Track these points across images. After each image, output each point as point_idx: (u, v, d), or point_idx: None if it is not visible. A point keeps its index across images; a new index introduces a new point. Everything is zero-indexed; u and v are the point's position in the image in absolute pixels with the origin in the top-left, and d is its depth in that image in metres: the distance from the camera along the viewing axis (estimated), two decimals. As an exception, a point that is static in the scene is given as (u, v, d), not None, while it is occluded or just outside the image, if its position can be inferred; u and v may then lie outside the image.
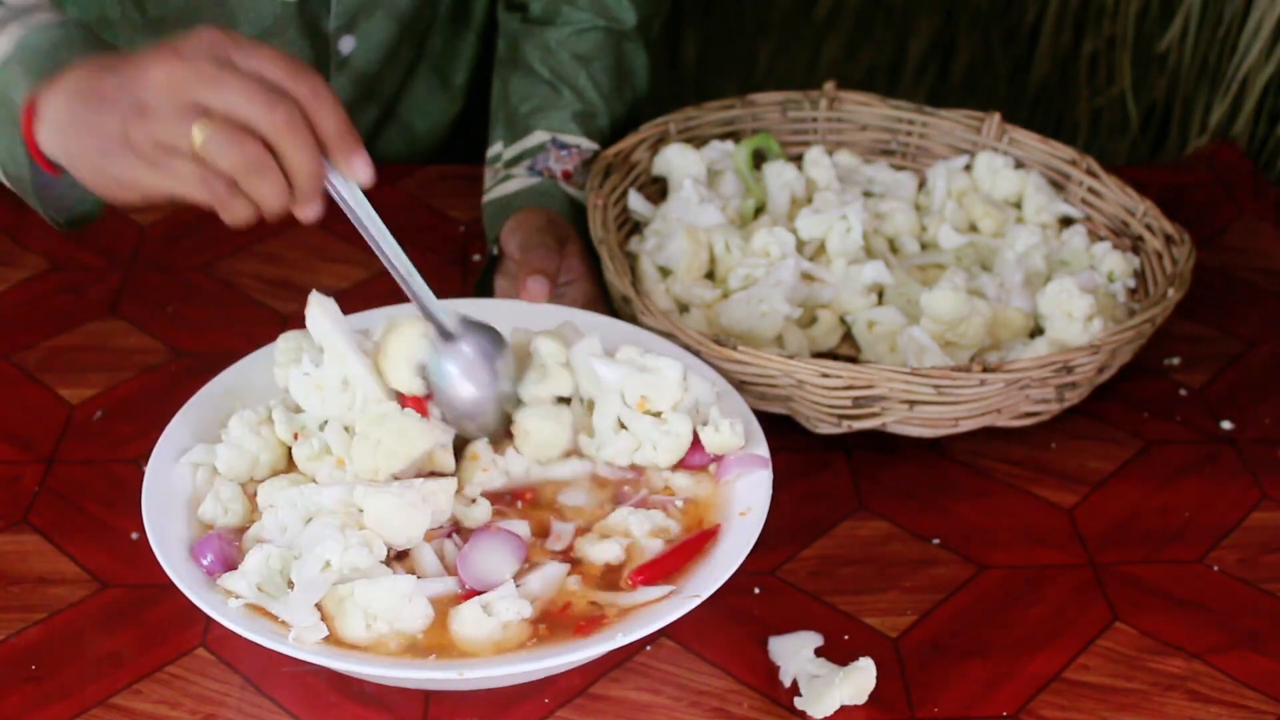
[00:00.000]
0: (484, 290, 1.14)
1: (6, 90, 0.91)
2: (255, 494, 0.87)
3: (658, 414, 0.91)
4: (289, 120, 0.79)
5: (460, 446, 0.90)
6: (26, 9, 0.95)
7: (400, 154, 1.42)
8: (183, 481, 0.88)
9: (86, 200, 0.99)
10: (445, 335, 0.89)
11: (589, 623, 0.80)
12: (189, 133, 0.79)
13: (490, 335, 0.90)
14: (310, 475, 0.86)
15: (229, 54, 0.81)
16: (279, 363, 0.91)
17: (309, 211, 0.83)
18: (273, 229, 1.25)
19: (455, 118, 1.43)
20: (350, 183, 0.83)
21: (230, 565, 0.82)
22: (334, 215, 1.30)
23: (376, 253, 0.86)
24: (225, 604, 0.79)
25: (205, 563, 0.82)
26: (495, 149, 1.22)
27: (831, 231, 1.11)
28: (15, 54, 0.91)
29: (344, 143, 0.82)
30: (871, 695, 0.84)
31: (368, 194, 0.85)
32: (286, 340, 0.92)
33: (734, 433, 0.90)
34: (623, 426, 0.91)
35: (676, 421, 0.90)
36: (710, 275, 1.11)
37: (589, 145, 1.21)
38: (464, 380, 0.89)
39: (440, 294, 0.89)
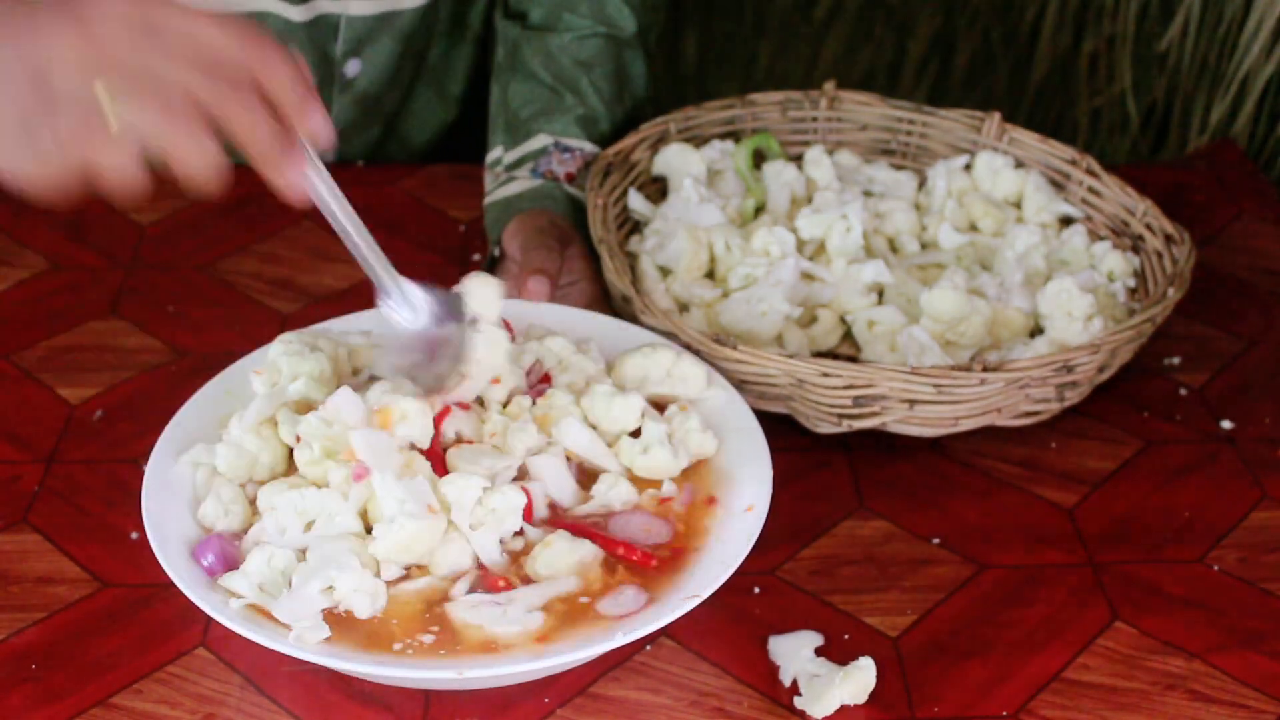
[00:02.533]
0: (483, 290, 1.14)
1: None
2: (255, 497, 0.87)
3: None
4: (231, 86, 0.68)
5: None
6: None
7: (396, 161, 1.41)
8: (183, 482, 0.88)
9: None
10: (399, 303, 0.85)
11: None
12: (104, 121, 0.67)
13: (450, 303, 0.87)
14: (311, 479, 0.86)
15: (152, 18, 0.67)
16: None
17: (285, 179, 0.72)
18: (273, 229, 1.26)
19: (449, 126, 1.43)
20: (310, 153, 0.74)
21: (231, 566, 0.82)
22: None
23: (332, 224, 0.80)
24: (225, 604, 0.79)
25: (206, 563, 0.82)
26: (495, 153, 1.22)
27: (831, 231, 1.11)
28: None
29: (301, 106, 0.72)
30: (871, 695, 0.84)
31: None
32: (283, 341, 0.92)
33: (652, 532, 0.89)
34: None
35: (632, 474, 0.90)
36: (710, 275, 1.11)
37: (591, 149, 1.20)
38: (412, 350, 0.86)
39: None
